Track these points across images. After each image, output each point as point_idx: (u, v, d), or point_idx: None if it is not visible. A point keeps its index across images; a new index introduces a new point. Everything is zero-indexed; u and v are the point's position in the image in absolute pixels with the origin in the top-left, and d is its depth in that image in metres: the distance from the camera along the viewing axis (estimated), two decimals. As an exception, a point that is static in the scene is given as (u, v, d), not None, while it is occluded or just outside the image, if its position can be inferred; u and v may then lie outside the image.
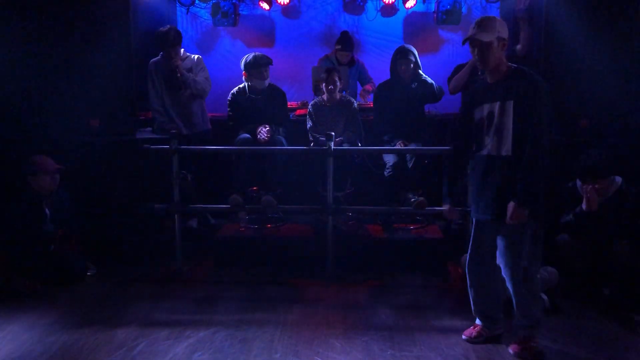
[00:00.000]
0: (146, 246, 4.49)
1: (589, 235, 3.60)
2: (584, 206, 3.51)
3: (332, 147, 3.91)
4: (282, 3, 6.04)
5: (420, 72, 4.55)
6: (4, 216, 3.84)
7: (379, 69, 5.49)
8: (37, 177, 3.89)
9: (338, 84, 4.60)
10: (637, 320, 3.29)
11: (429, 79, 4.53)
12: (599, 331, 3.16)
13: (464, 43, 2.80)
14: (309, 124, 4.73)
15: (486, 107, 2.79)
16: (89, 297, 3.68)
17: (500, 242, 2.83)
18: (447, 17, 5.88)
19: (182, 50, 4.67)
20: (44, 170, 3.89)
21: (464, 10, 5.96)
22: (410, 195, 4.33)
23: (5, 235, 3.82)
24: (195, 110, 4.76)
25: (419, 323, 3.27)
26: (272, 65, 4.54)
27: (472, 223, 3.01)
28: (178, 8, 6.15)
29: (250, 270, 4.15)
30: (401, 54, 4.47)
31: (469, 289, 3.04)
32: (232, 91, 4.65)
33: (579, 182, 3.63)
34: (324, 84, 4.60)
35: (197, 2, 5.99)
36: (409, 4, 6.01)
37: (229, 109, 4.65)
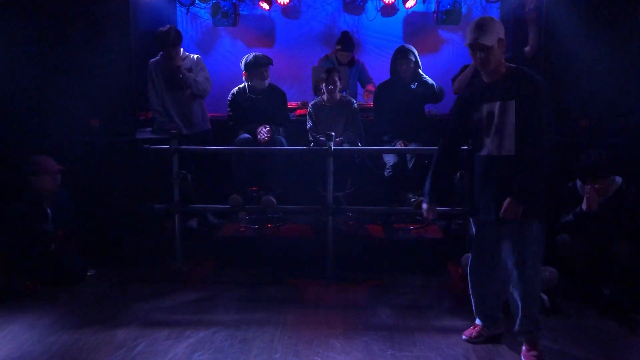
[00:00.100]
0: (146, 246, 4.49)
1: (589, 235, 3.60)
2: (584, 206, 3.51)
3: (332, 147, 3.91)
4: (282, 3, 6.04)
5: (421, 72, 4.55)
6: (4, 216, 3.84)
7: (379, 69, 5.49)
8: (38, 178, 3.88)
9: (338, 84, 4.60)
10: (637, 320, 3.29)
11: (429, 80, 4.52)
12: (599, 331, 3.16)
13: (466, 45, 2.78)
14: (309, 124, 4.73)
15: (485, 108, 2.77)
16: (89, 297, 3.68)
17: (503, 243, 2.82)
18: (447, 17, 5.88)
19: (181, 50, 4.67)
20: (45, 170, 3.89)
21: (464, 10, 5.96)
22: (411, 196, 4.33)
23: (6, 235, 3.82)
24: (195, 109, 4.76)
25: (419, 323, 3.27)
26: (272, 65, 4.54)
27: (472, 224, 3.00)
28: (178, 8, 6.15)
29: (250, 270, 4.15)
30: (401, 54, 4.47)
31: (470, 290, 3.04)
32: (232, 91, 4.65)
33: (579, 182, 3.62)
34: (324, 84, 4.60)
35: (197, 2, 5.98)
36: (409, 4, 6.01)
37: (229, 109, 4.65)
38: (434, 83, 4.51)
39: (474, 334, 3.03)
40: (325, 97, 4.66)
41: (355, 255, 4.22)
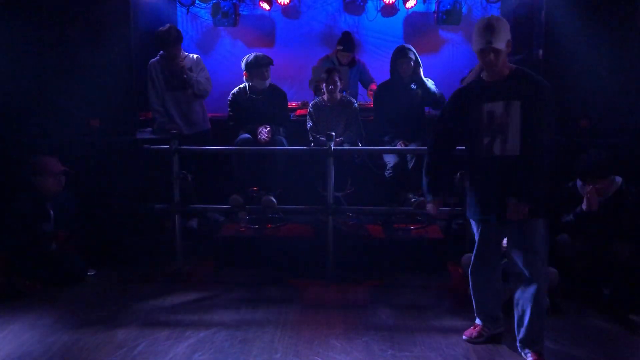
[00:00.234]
0: (146, 246, 4.49)
1: (589, 235, 3.60)
2: (584, 206, 3.51)
3: (333, 147, 3.91)
4: (282, 3, 6.04)
5: (422, 74, 4.51)
6: (5, 216, 3.84)
7: (379, 69, 5.49)
8: (40, 178, 3.88)
9: (338, 84, 4.60)
10: (637, 320, 3.29)
11: (432, 87, 4.46)
12: (599, 331, 3.16)
13: (478, 50, 2.66)
14: (310, 124, 4.73)
15: (486, 107, 2.72)
16: (89, 297, 3.68)
17: (508, 244, 2.81)
18: (448, 17, 5.87)
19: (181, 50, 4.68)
20: (47, 171, 3.89)
21: (464, 10, 5.96)
22: (411, 196, 4.33)
23: (7, 235, 3.82)
24: (197, 109, 4.77)
25: (419, 323, 3.27)
26: (273, 65, 4.54)
27: (472, 224, 2.99)
28: (178, 8, 6.16)
29: (251, 270, 4.15)
30: (401, 53, 4.46)
31: (471, 291, 3.03)
32: (232, 91, 4.65)
33: (579, 182, 3.63)
34: (324, 84, 4.60)
35: (197, 2, 5.99)
36: (409, 4, 6.01)
37: (229, 109, 4.64)
38: (435, 92, 4.46)
39: (475, 334, 3.03)
40: (325, 97, 4.66)
41: (355, 255, 4.22)
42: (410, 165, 4.39)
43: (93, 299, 3.66)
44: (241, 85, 4.63)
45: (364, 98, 5.63)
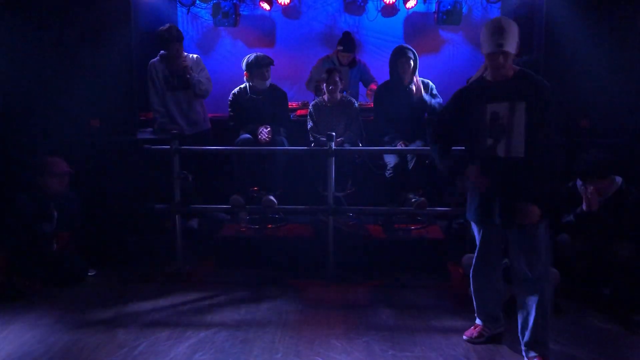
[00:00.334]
0: (146, 246, 4.49)
1: (589, 235, 3.60)
2: (584, 206, 3.51)
3: (333, 147, 3.91)
4: (282, 3, 6.04)
5: (422, 78, 4.51)
6: (5, 216, 3.84)
7: (379, 69, 5.49)
8: (45, 178, 3.88)
9: (339, 84, 4.60)
10: (637, 320, 3.30)
11: (432, 101, 4.44)
12: (599, 331, 3.17)
13: (489, 53, 2.65)
14: (310, 124, 4.73)
15: (489, 108, 2.69)
16: (89, 297, 3.68)
17: (510, 245, 2.80)
18: (448, 17, 5.87)
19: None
20: (52, 171, 3.89)
21: (464, 10, 5.96)
22: (411, 196, 4.33)
23: (7, 235, 3.82)
24: (197, 109, 4.77)
25: (420, 323, 3.27)
26: (273, 65, 4.54)
27: (473, 226, 2.98)
28: (179, 8, 6.16)
29: (251, 270, 4.15)
30: (400, 53, 4.45)
31: (472, 291, 3.03)
32: (233, 91, 4.65)
33: (579, 182, 3.63)
34: (324, 85, 4.60)
35: (197, 2, 5.99)
36: (409, 4, 6.01)
37: (229, 109, 4.64)
38: (435, 106, 4.43)
39: (475, 334, 3.03)
40: (326, 97, 4.66)
41: (355, 255, 4.22)
42: (411, 165, 4.39)
43: (93, 299, 3.66)
44: (242, 86, 4.63)
45: (364, 98, 5.63)
